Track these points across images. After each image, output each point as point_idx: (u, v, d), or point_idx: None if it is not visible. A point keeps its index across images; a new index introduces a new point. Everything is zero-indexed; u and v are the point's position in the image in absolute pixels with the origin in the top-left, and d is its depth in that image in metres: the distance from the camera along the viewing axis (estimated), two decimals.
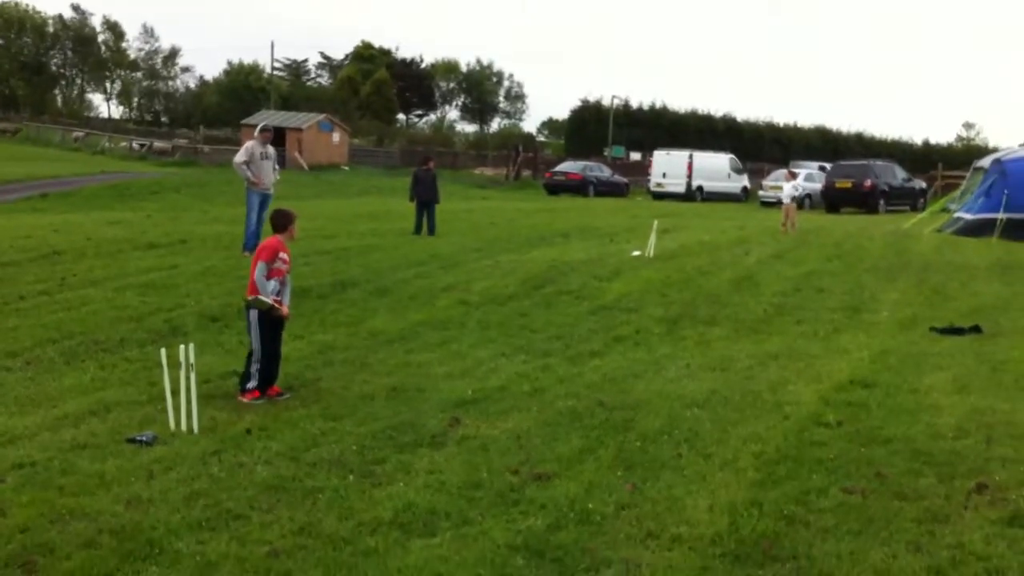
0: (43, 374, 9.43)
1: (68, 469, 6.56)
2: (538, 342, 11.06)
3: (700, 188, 44.67)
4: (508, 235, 20.42)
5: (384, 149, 70.99)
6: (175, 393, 7.60)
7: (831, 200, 36.35)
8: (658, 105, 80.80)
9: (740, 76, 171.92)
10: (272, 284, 8.61)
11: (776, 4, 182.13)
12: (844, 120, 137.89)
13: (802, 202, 39.46)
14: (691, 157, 45.46)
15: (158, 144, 62.53)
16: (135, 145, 63.34)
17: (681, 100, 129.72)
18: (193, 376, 7.54)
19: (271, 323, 8.69)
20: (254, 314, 8.61)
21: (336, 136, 59.04)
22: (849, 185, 35.77)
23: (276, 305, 8.63)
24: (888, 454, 6.69)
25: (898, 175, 37.95)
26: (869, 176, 35.71)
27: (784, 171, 45.25)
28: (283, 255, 8.73)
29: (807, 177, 41.21)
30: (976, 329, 11.33)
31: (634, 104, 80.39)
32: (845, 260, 16.84)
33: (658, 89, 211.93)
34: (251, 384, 8.54)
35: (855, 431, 7.20)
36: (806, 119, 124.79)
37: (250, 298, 8.52)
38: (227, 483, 6.26)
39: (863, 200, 35.31)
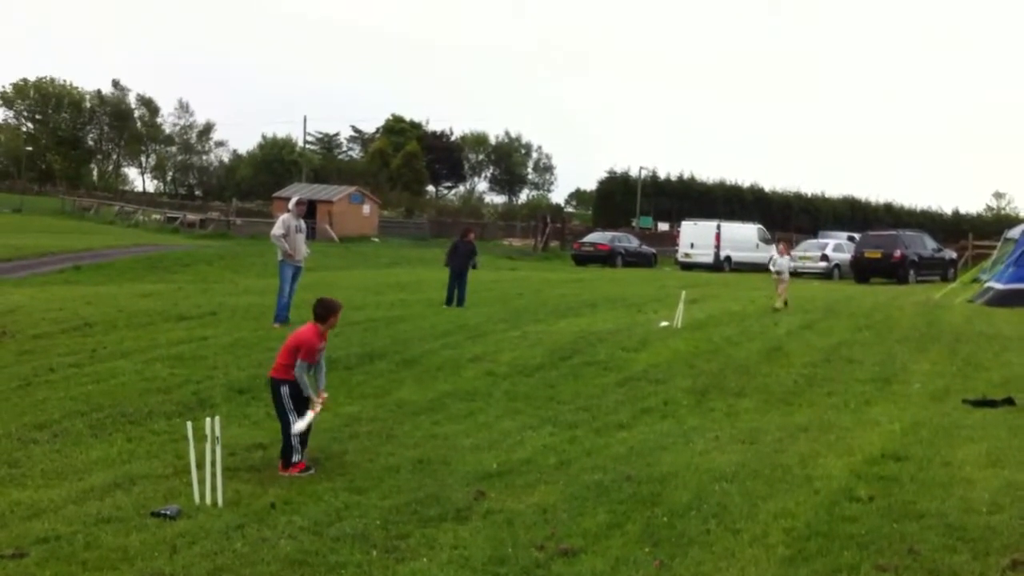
0: (70, 446, 9.46)
1: (92, 543, 6.54)
2: (565, 413, 10.99)
3: (728, 258, 44.65)
4: (535, 306, 20.43)
5: (414, 220, 71.65)
6: (200, 466, 7.59)
7: (860, 270, 36.20)
8: (686, 176, 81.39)
9: (768, 147, 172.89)
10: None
11: (804, 76, 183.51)
12: (873, 190, 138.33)
13: (831, 272, 39.50)
14: (719, 227, 45.52)
15: (190, 217, 63.37)
16: (161, 217, 64.26)
17: (709, 171, 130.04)
18: (219, 449, 7.54)
19: (302, 397, 8.71)
20: (284, 389, 8.62)
21: (366, 208, 59.67)
22: (878, 255, 35.64)
23: (313, 398, 8.65)
24: (921, 529, 6.55)
25: (928, 245, 37.77)
26: (899, 246, 35.56)
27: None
28: (320, 345, 8.74)
29: (836, 247, 41.17)
30: (1009, 401, 11.14)
31: (661, 175, 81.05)
32: (875, 331, 16.68)
33: (685, 160, 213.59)
34: (296, 457, 8.52)
35: (887, 506, 7.06)
36: (834, 189, 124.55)
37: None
38: (250, 558, 6.22)
39: (893, 270, 35.14)
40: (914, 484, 7.62)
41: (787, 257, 21.44)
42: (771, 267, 21.34)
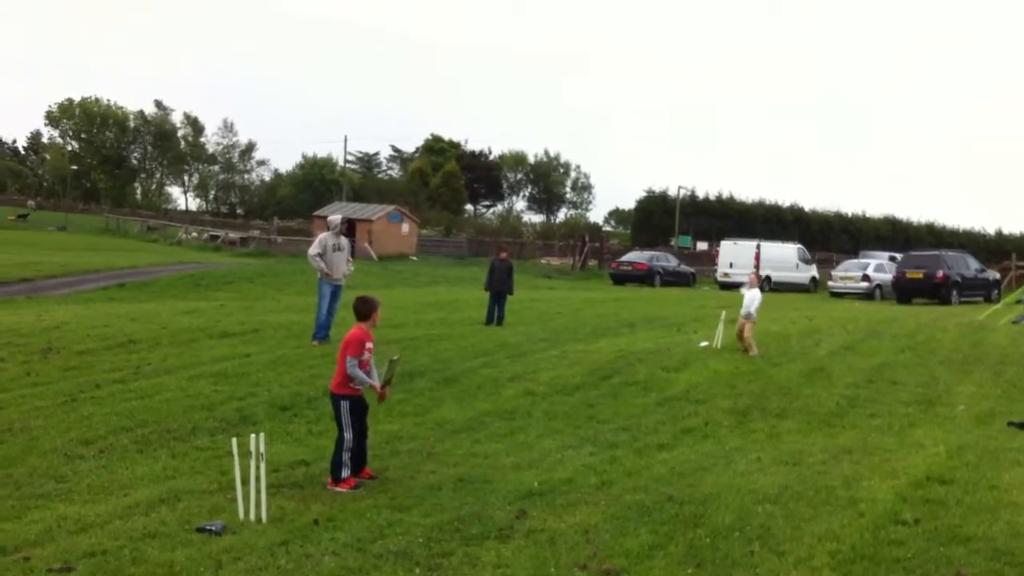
0: (116, 462, 9.58)
1: (138, 558, 6.60)
2: (605, 433, 10.97)
3: (768, 278, 44.35)
4: (575, 325, 20.41)
5: (452, 239, 71.87)
6: (245, 482, 7.65)
7: (902, 291, 35.83)
8: (725, 195, 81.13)
9: (807, 166, 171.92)
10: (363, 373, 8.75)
11: (843, 96, 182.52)
12: (914, 210, 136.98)
13: (872, 292, 39.12)
14: (759, 247, 45.28)
15: (232, 235, 63.97)
16: (202, 235, 64.89)
17: (748, 190, 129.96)
18: (264, 466, 7.59)
19: (360, 411, 8.77)
20: (344, 404, 8.71)
21: (405, 227, 59.94)
22: (920, 276, 35.23)
23: (375, 388, 8.75)
24: (968, 553, 6.48)
25: (971, 265, 37.33)
26: (941, 267, 35.17)
27: (853, 260, 44.90)
28: (368, 344, 8.81)
29: (877, 268, 40.80)
30: None
31: (700, 194, 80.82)
32: (918, 352, 16.52)
33: (725, 179, 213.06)
34: (345, 473, 8.60)
35: (933, 529, 6.99)
36: (875, 209, 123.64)
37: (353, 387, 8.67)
38: (294, 575, 6.26)
39: (935, 291, 34.74)
40: (960, 508, 7.55)
41: (757, 290, 16.80)
42: (743, 308, 16.24)
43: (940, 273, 34.82)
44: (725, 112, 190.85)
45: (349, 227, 51.18)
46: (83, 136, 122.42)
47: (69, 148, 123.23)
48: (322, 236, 16.71)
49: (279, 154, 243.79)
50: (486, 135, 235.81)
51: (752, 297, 16.41)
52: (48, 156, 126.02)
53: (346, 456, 8.60)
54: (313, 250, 16.49)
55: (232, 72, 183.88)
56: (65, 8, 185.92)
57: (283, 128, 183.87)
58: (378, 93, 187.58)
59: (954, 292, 34.83)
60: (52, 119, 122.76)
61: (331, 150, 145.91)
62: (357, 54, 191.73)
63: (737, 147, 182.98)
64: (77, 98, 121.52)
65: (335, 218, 17.24)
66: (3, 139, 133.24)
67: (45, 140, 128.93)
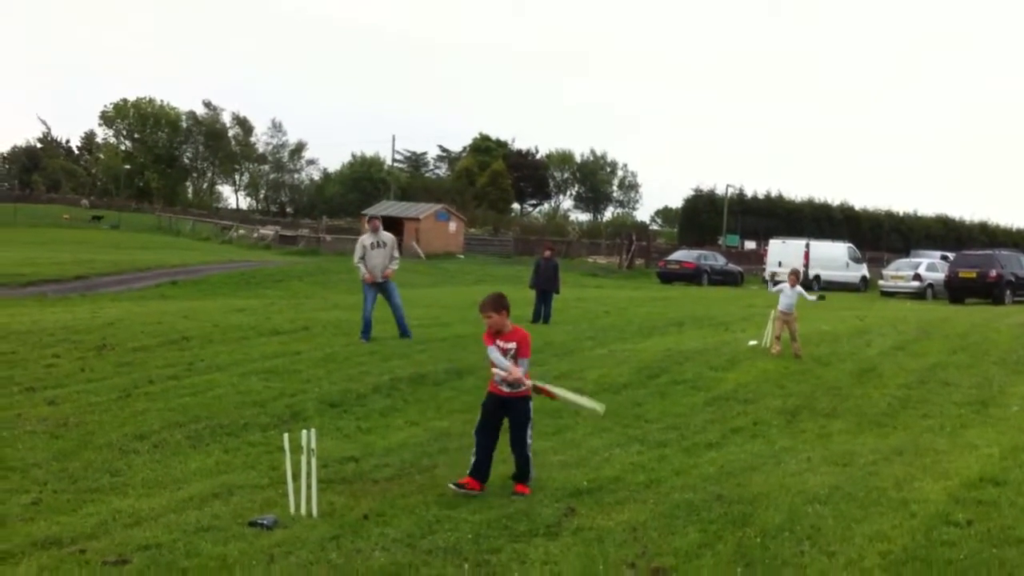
0: (170, 457, 9.71)
1: (192, 551, 6.69)
2: (653, 432, 10.95)
3: (817, 277, 43.96)
4: (622, 323, 20.38)
5: (499, 238, 71.97)
6: (296, 477, 7.74)
7: (955, 290, 35.38)
8: (773, 194, 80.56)
9: (858, 164, 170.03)
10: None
11: (894, 96, 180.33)
12: (967, 209, 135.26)
13: (924, 292, 38.61)
14: (808, 246, 44.92)
15: (277, 231, 64.51)
16: (252, 234, 65.43)
17: (797, 188, 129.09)
18: (315, 461, 7.67)
19: (489, 408, 8.80)
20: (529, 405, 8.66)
21: (452, 225, 60.17)
22: (973, 275, 34.77)
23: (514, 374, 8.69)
24: (1021, 555, 6.39)
25: None
26: (994, 266, 34.69)
27: (904, 260, 44.35)
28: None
29: (929, 267, 40.30)
30: None
31: (748, 193, 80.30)
32: (971, 352, 16.30)
33: (773, 177, 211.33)
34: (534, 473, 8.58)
35: (986, 531, 6.91)
36: (927, 208, 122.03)
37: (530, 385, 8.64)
38: (345, 569, 6.32)
39: (988, 291, 34.26)
40: (1014, 509, 7.45)
41: (798, 289, 16.28)
42: (780, 306, 15.96)
43: (993, 272, 34.34)
44: (775, 109, 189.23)
45: (397, 225, 51.50)
46: (136, 136, 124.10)
47: (122, 148, 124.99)
48: (361, 238, 16.84)
49: (328, 153, 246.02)
50: (533, 133, 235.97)
51: (791, 297, 16.04)
52: (102, 155, 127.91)
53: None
54: (355, 256, 16.68)
55: (279, 71, 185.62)
56: (120, 10, 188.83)
57: (332, 127, 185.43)
58: (427, 93, 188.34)
59: (1008, 292, 34.34)
60: (107, 119, 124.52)
61: (379, 149, 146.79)
62: (403, 53, 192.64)
63: (787, 143, 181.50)
64: (132, 98, 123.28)
65: (369, 215, 17.28)
66: (58, 138, 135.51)
67: (99, 140, 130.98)
